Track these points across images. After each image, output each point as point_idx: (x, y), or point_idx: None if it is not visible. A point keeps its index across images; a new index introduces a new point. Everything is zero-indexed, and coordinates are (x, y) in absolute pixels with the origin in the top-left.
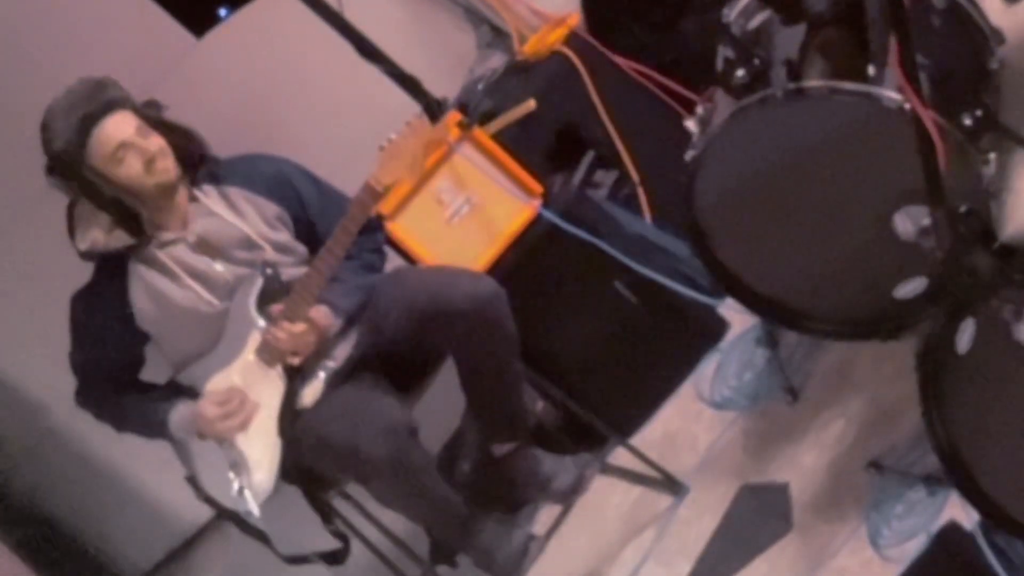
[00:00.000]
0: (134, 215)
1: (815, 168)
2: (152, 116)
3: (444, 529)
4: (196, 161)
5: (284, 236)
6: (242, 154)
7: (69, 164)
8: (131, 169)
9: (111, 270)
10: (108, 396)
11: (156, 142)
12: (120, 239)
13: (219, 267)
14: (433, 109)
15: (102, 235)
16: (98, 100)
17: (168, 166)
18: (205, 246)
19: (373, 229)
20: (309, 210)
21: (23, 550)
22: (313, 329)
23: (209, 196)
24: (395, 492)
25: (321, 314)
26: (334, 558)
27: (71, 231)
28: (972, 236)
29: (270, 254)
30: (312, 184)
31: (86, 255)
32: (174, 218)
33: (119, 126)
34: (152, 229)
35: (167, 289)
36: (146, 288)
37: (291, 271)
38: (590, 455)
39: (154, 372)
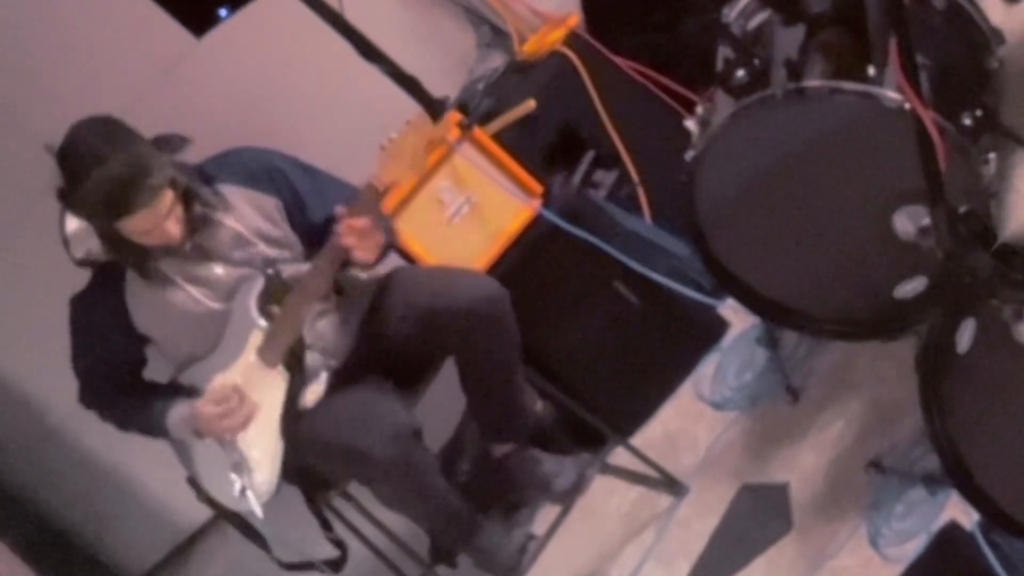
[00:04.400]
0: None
1: (815, 168)
2: (181, 185)
3: (445, 529)
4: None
5: (280, 231)
6: (229, 149)
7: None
8: (150, 242)
9: (108, 276)
10: (110, 397)
11: (177, 222)
12: None
13: (219, 270)
14: (435, 108)
15: (97, 244)
16: (137, 190)
17: (183, 235)
18: (203, 251)
19: None
20: (303, 197)
21: (23, 550)
22: (376, 225)
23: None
24: (398, 493)
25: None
26: (332, 566)
27: (65, 239)
28: (972, 236)
29: (266, 251)
30: (302, 171)
31: (82, 263)
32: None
33: (148, 218)
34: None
35: (165, 295)
36: (144, 295)
37: (291, 268)
38: (590, 455)
39: (157, 371)
